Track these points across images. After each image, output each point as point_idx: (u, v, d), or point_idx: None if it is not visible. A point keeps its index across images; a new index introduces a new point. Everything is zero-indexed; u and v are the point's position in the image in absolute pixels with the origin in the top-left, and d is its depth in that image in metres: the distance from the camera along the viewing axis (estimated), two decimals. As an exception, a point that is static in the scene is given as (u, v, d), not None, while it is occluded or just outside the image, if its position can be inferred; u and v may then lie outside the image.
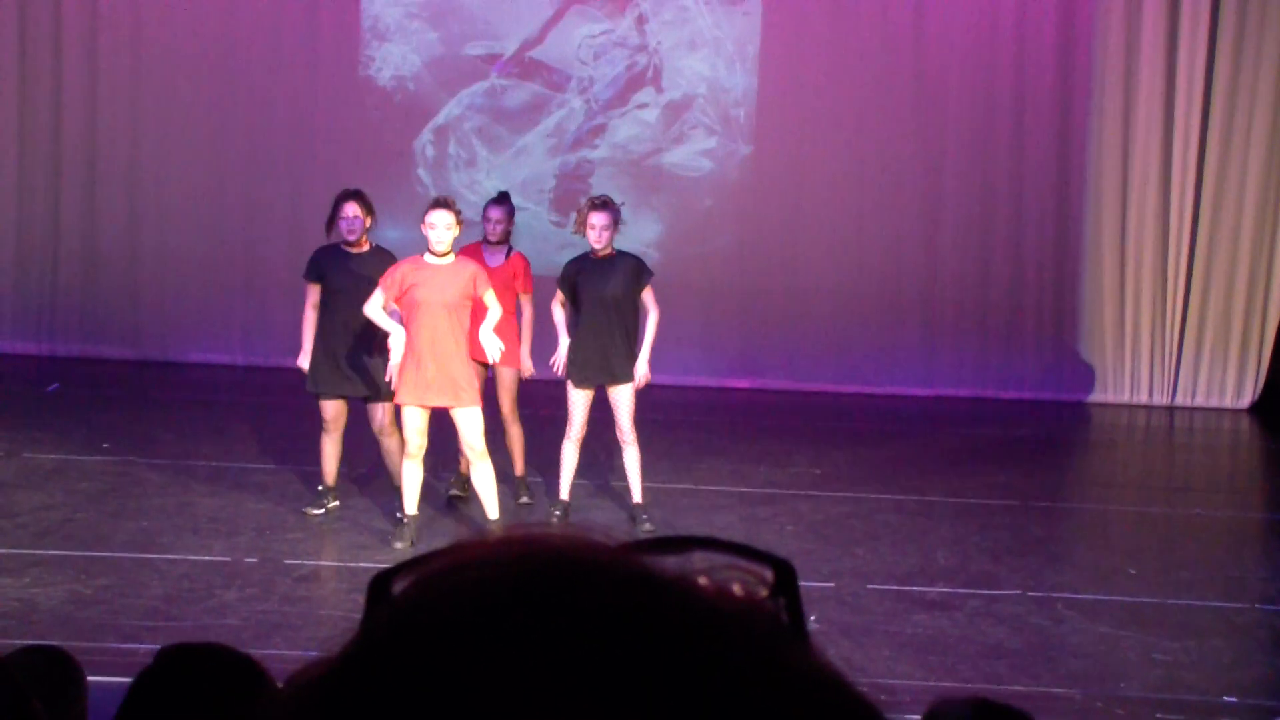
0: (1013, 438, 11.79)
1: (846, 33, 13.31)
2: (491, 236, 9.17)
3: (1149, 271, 13.41)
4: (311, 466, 9.20)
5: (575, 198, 12.76)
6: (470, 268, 8.32)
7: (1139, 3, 13.12)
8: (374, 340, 8.64)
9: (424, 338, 8.12)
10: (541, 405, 9.93)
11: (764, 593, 0.69)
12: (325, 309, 8.77)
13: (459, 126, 13.61)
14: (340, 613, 7.24)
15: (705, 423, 11.71)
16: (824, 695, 0.64)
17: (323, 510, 8.92)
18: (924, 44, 13.28)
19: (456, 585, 0.64)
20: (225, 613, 7.24)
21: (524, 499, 9.26)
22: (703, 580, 0.67)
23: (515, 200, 9.56)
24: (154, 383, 12.68)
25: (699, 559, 0.70)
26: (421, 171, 13.61)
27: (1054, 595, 7.95)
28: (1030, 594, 7.95)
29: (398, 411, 8.50)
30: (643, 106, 13.56)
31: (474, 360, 8.50)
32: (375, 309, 8.23)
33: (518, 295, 9.08)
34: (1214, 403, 13.42)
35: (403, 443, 8.54)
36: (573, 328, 8.68)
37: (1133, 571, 8.45)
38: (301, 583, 7.77)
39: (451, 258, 8.28)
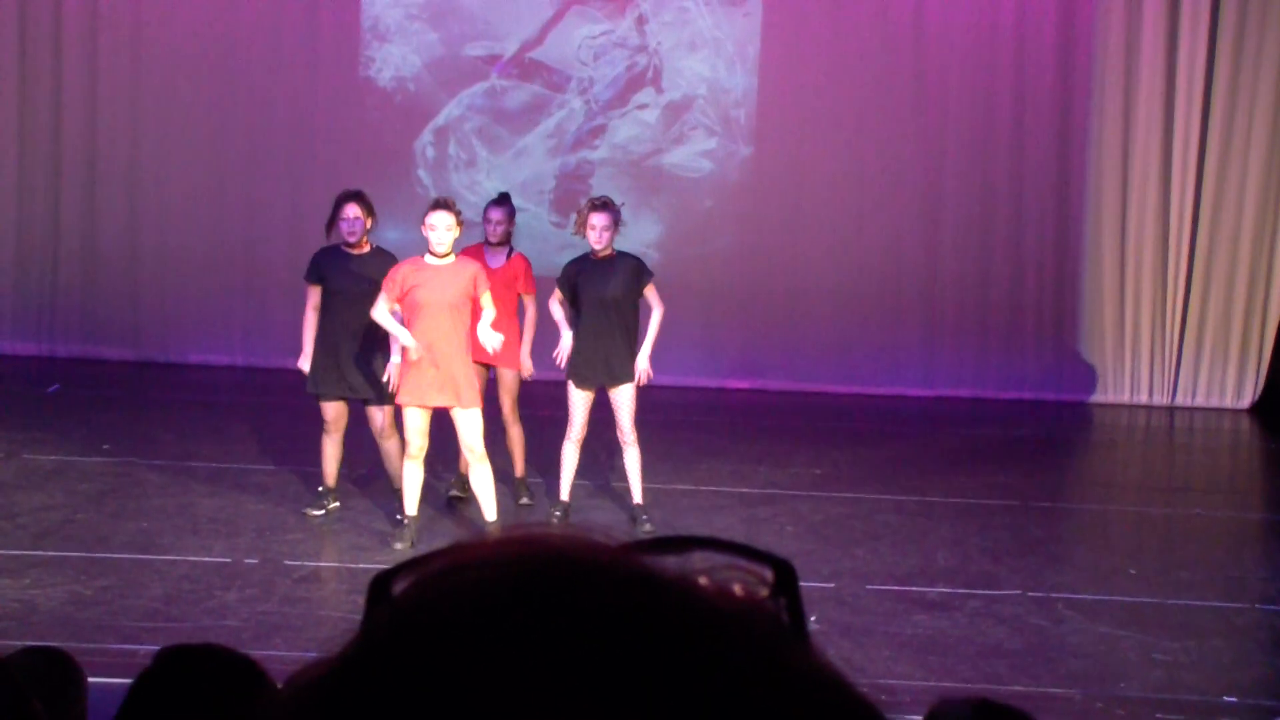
0: (1013, 438, 11.79)
1: (846, 34, 13.31)
2: (492, 238, 9.17)
3: (1149, 271, 13.41)
4: (311, 467, 9.20)
5: (575, 198, 12.76)
6: (471, 268, 8.32)
7: (1139, 3, 13.12)
8: (374, 342, 8.64)
9: (425, 338, 8.13)
10: (542, 406, 9.93)
11: (764, 593, 0.69)
12: (326, 310, 8.77)
13: (459, 127, 13.61)
14: (340, 614, 7.24)
15: (705, 423, 11.71)
16: (824, 695, 0.64)
17: (323, 511, 8.92)
18: (924, 45, 13.28)
19: (456, 586, 0.64)
20: (225, 614, 7.24)
21: (524, 500, 9.26)
22: (703, 580, 0.67)
23: (515, 201, 9.56)
24: (154, 383, 12.68)
25: (699, 559, 0.70)
26: (421, 172, 13.61)
27: (1054, 595, 7.95)
28: (1030, 594, 7.95)
29: (398, 413, 8.50)
30: (643, 107, 13.56)
31: (475, 361, 8.50)
32: (383, 314, 8.23)
33: (519, 296, 9.08)
34: (1214, 403, 13.42)
35: (402, 445, 8.54)
36: (573, 328, 8.68)
37: (1133, 572, 8.45)
38: (301, 584, 7.77)
39: (452, 258, 8.28)
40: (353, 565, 8.10)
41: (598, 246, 8.53)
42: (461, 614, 0.62)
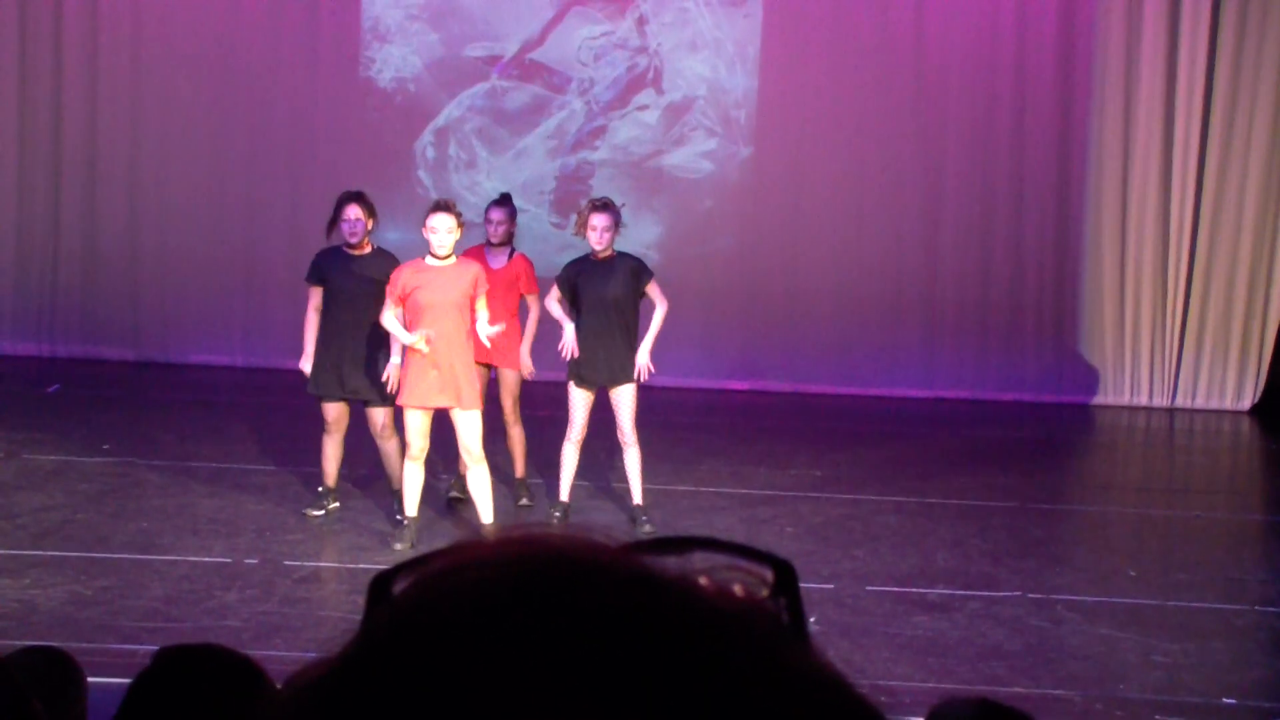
0: (1013, 439, 11.79)
1: (847, 34, 13.31)
2: (493, 238, 9.17)
3: (1149, 273, 13.41)
4: (311, 468, 9.20)
5: (575, 199, 12.76)
6: (473, 270, 8.33)
7: (1139, 3, 13.13)
8: (376, 342, 8.64)
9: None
10: (542, 406, 9.93)
11: (765, 593, 0.69)
12: (327, 311, 8.76)
13: (459, 128, 13.61)
14: (340, 614, 7.24)
15: (705, 424, 11.71)
16: (824, 696, 0.64)
17: (322, 511, 8.92)
18: (924, 45, 13.29)
19: (456, 586, 0.64)
20: (225, 614, 7.24)
21: (524, 501, 9.26)
22: (703, 580, 0.67)
23: (515, 202, 9.55)
24: (154, 383, 12.68)
25: (699, 559, 0.70)
26: (422, 173, 13.61)
27: (1054, 597, 7.95)
28: (1030, 596, 7.95)
29: (398, 414, 8.50)
30: (643, 108, 13.56)
31: (477, 362, 8.50)
32: (391, 321, 8.22)
33: (521, 296, 9.07)
34: (1214, 404, 13.41)
35: (402, 446, 8.54)
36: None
37: (1133, 573, 8.45)
38: (301, 584, 7.77)
39: (453, 260, 8.28)
40: (353, 565, 8.10)
41: (598, 247, 8.52)
42: (461, 614, 0.62)
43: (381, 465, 8.97)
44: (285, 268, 12.90)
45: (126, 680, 2.43)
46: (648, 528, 8.64)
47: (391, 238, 10.67)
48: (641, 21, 13.47)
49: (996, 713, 2.31)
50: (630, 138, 13.58)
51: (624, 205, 9.15)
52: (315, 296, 8.82)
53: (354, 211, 8.67)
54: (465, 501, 9.07)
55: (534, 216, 13.05)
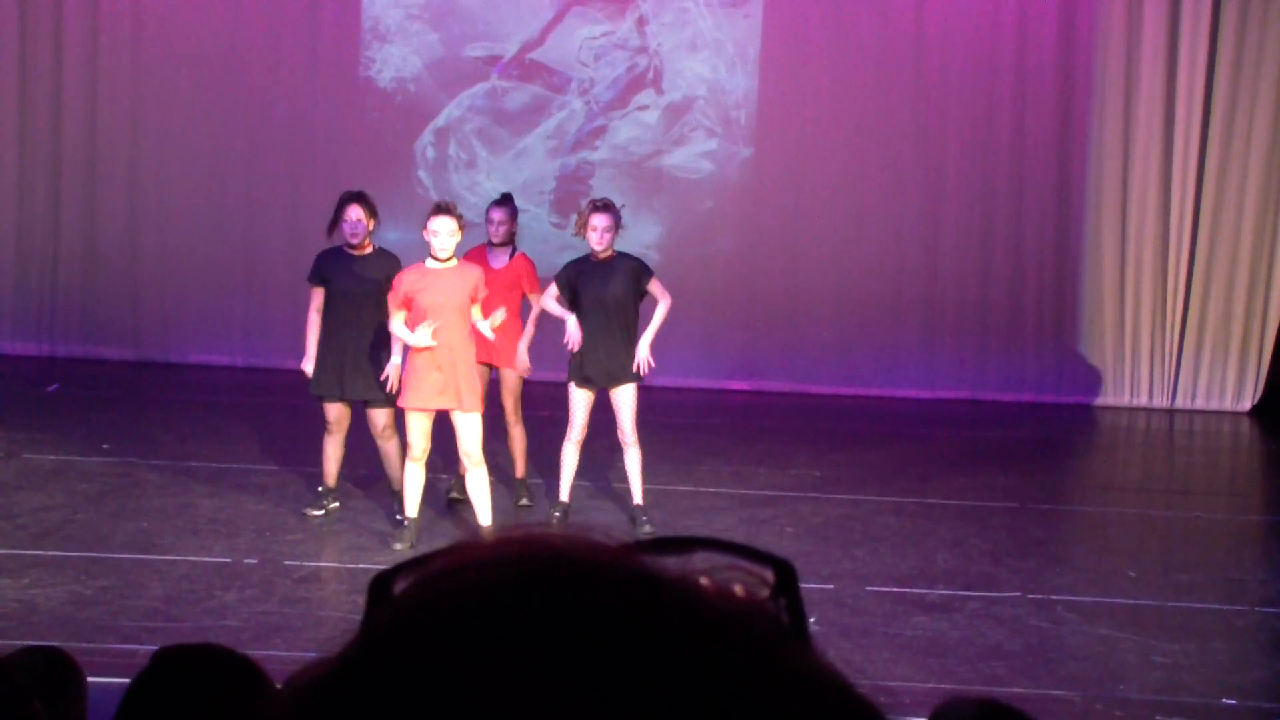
0: (1013, 440, 11.79)
1: (847, 35, 13.31)
2: (494, 238, 9.16)
3: (1149, 273, 13.41)
4: (311, 468, 9.20)
5: (576, 199, 12.77)
6: (474, 272, 8.34)
7: (1139, 3, 13.13)
8: (378, 343, 8.64)
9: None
10: (542, 406, 9.93)
11: (765, 593, 0.69)
12: (329, 312, 8.76)
13: (459, 128, 13.61)
14: (340, 614, 7.24)
15: (705, 425, 11.71)
16: (825, 696, 0.64)
17: (322, 511, 8.92)
18: (924, 46, 13.29)
19: (456, 586, 0.64)
20: (225, 614, 7.24)
21: (524, 501, 9.26)
22: (704, 581, 0.67)
23: (516, 202, 9.55)
24: (154, 383, 12.68)
25: (700, 559, 0.70)
26: (422, 173, 13.61)
27: (1054, 597, 7.95)
28: (1030, 596, 7.95)
29: (399, 415, 8.51)
30: (643, 108, 13.56)
31: (478, 362, 8.50)
32: (399, 327, 8.22)
33: (524, 296, 9.06)
34: (1214, 405, 13.41)
35: (402, 446, 8.54)
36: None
37: (1132, 574, 8.45)
38: (301, 584, 7.77)
39: (454, 263, 8.29)
40: (353, 565, 8.10)
41: (599, 248, 8.52)
42: (461, 614, 0.62)
43: (382, 466, 8.97)
44: (285, 268, 12.91)
45: (126, 680, 2.43)
46: (647, 528, 8.64)
47: (391, 238, 10.67)
48: (641, 22, 13.47)
49: (1000, 714, 2.31)
50: (630, 138, 13.58)
51: (624, 206, 9.14)
52: (317, 297, 8.82)
53: (355, 212, 8.67)
54: (465, 502, 9.07)
55: (534, 216, 13.04)
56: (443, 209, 8.31)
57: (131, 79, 13.48)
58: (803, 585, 0.70)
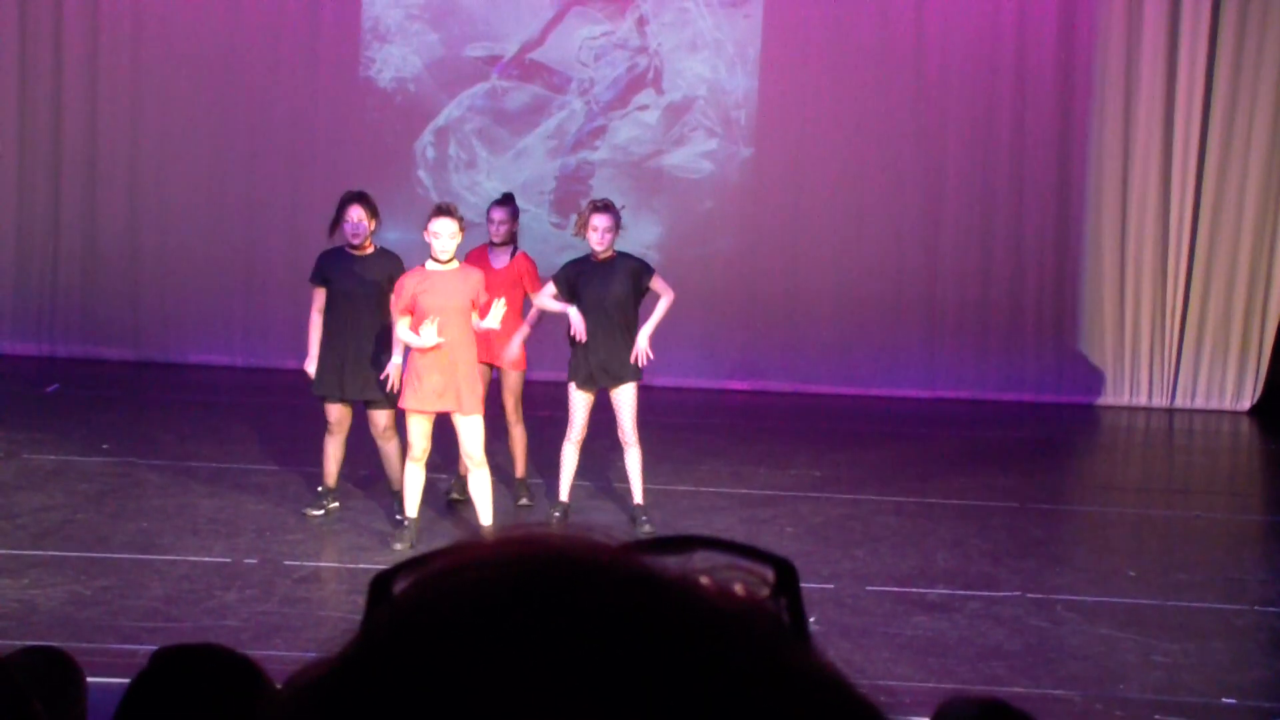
0: (1013, 440, 11.79)
1: (847, 35, 13.31)
2: (495, 238, 9.16)
3: (1149, 273, 13.41)
4: (311, 468, 9.20)
5: (575, 199, 12.77)
6: (475, 275, 8.35)
7: (1139, 3, 13.13)
8: (379, 343, 8.64)
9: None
10: (542, 406, 9.93)
11: (765, 593, 0.69)
12: (330, 312, 8.76)
13: (459, 128, 13.61)
14: (340, 614, 7.24)
15: (705, 425, 11.71)
16: (825, 696, 0.64)
17: (322, 511, 8.92)
18: (924, 46, 13.29)
19: (456, 585, 0.64)
20: (225, 614, 7.24)
21: (524, 501, 9.26)
22: (704, 580, 0.67)
23: (516, 202, 9.55)
24: (154, 383, 12.68)
25: (700, 559, 0.70)
26: (422, 173, 13.61)
27: (1054, 597, 7.95)
28: (1030, 596, 7.95)
29: (400, 415, 8.51)
30: (643, 108, 13.56)
31: (479, 362, 8.50)
32: (404, 332, 8.22)
33: (525, 295, 9.06)
34: (1214, 405, 13.41)
35: (403, 447, 8.55)
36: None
37: (1132, 573, 8.45)
38: (301, 584, 7.77)
39: (455, 264, 8.29)
40: (353, 565, 8.10)
41: (599, 248, 8.51)
42: (461, 614, 0.62)
43: (382, 466, 8.97)
44: (285, 268, 12.91)
45: (126, 680, 2.43)
46: (647, 528, 8.64)
47: (391, 238, 10.66)
48: (641, 22, 13.47)
49: (1003, 714, 2.31)
50: (630, 138, 13.58)
51: (624, 207, 9.14)
52: (319, 298, 8.82)
53: (357, 213, 8.68)
54: (464, 503, 9.08)
55: (534, 216, 13.04)
56: (444, 211, 8.31)
57: (131, 79, 13.48)
58: (803, 585, 0.70)
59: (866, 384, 13.34)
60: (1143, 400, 13.48)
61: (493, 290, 8.49)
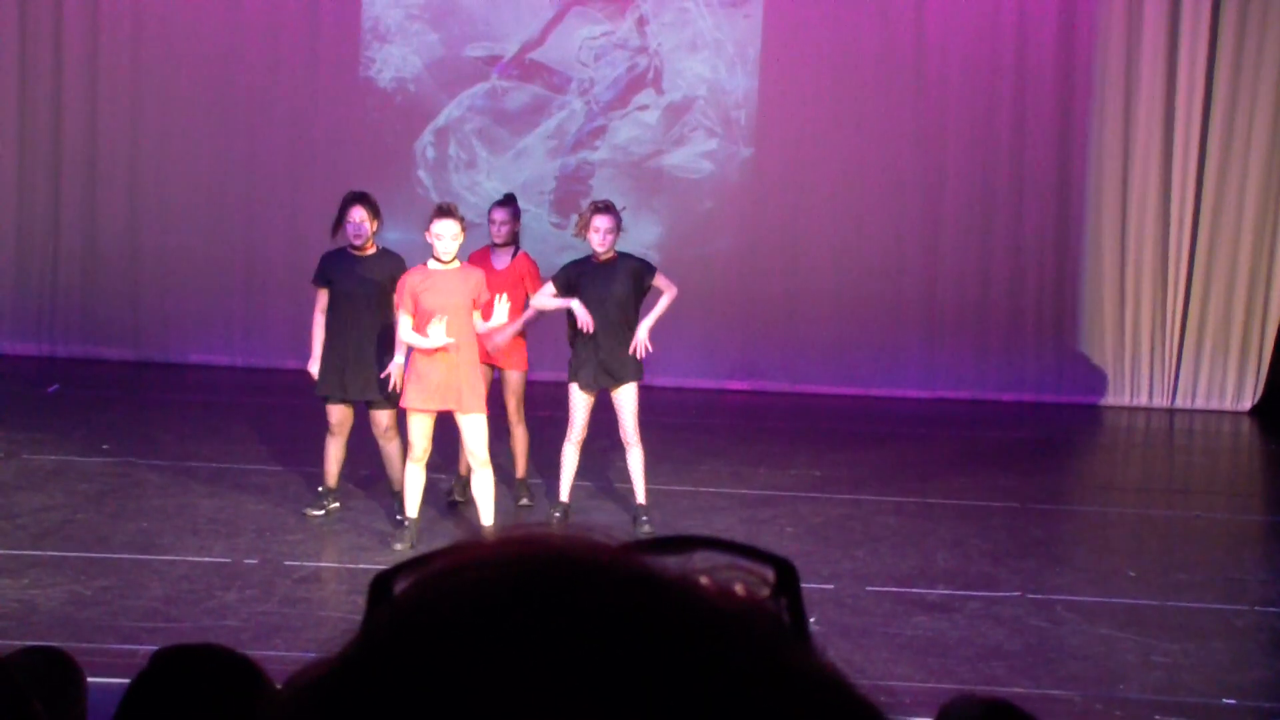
0: (1013, 440, 11.79)
1: (847, 35, 13.32)
2: (497, 238, 9.16)
3: (1149, 273, 13.41)
4: (311, 468, 9.20)
5: (576, 199, 12.78)
6: (476, 274, 8.35)
7: (1139, 3, 13.13)
8: (381, 344, 8.65)
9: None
10: (542, 406, 9.93)
11: (766, 593, 0.69)
12: (332, 313, 8.76)
13: (459, 128, 13.61)
14: (340, 614, 7.24)
15: (705, 425, 11.71)
16: (825, 696, 0.64)
17: (323, 511, 8.92)
18: (925, 46, 13.29)
19: (457, 586, 0.64)
20: (225, 614, 7.24)
21: (524, 501, 9.26)
22: (704, 580, 0.67)
23: (517, 203, 9.54)
24: (154, 383, 12.68)
25: (700, 559, 0.70)
26: (422, 173, 13.61)
27: (1054, 597, 7.95)
28: (1030, 596, 7.95)
29: (401, 416, 8.51)
30: (643, 108, 13.56)
31: (480, 362, 8.50)
32: (407, 332, 8.21)
33: (526, 295, 9.05)
34: (1214, 405, 13.41)
35: (404, 447, 8.54)
36: (573, 330, 8.65)
37: (1132, 574, 8.45)
38: (301, 584, 7.77)
39: (457, 264, 8.29)
40: (353, 566, 8.10)
41: (600, 249, 8.51)
42: (462, 614, 0.62)
43: (383, 466, 8.97)
44: (285, 268, 12.92)
45: (126, 680, 2.43)
46: (647, 528, 8.63)
47: (391, 238, 10.65)
48: (641, 22, 13.47)
49: (1006, 714, 2.30)
50: (630, 138, 13.58)
51: (624, 209, 9.14)
52: (322, 298, 8.82)
53: (359, 213, 8.68)
54: (465, 503, 9.08)
55: (534, 217, 13.03)
56: (445, 212, 8.31)
57: (131, 79, 13.48)
58: (803, 585, 0.70)
59: (866, 384, 13.34)
60: (1143, 400, 13.48)
61: (494, 291, 8.49)
